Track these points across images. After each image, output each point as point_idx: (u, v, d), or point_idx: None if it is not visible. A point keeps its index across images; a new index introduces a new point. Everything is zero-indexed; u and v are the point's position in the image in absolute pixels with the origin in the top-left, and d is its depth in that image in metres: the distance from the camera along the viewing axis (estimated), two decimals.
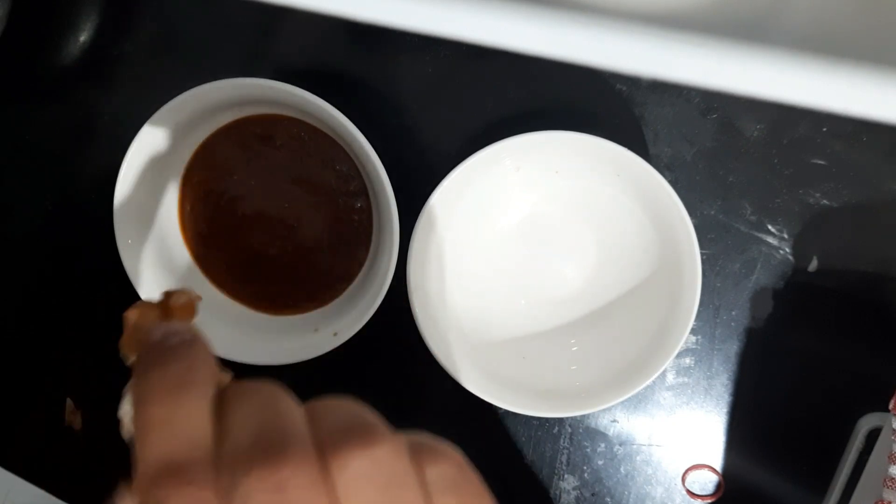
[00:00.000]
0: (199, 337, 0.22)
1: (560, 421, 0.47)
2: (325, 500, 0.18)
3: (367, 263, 0.44)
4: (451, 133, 0.45)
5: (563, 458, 0.47)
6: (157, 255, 0.43)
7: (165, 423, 0.19)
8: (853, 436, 0.43)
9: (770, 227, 0.44)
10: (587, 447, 0.47)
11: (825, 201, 0.44)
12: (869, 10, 0.20)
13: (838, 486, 0.43)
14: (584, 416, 0.46)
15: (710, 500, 0.46)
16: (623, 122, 0.44)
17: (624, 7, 0.19)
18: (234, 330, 0.43)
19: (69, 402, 0.49)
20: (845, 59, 0.17)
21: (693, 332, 0.45)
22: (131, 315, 0.26)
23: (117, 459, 0.51)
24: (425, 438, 0.21)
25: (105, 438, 0.49)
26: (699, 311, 0.41)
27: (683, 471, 0.46)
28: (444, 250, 0.43)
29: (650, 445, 0.46)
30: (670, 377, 0.46)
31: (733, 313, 0.45)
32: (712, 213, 0.44)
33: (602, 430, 0.46)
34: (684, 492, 0.46)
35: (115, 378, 0.50)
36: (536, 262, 0.45)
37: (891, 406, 0.39)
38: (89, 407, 0.49)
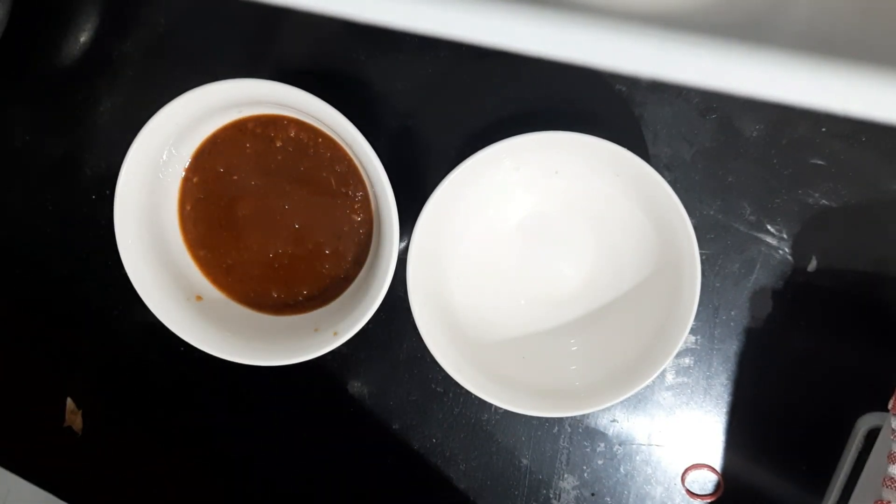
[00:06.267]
0: None
1: (560, 421, 0.47)
2: None
3: (367, 263, 0.44)
4: (451, 133, 0.45)
5: (563, 458, 0.47)
6: (157, 255, 0.43)
7: None
8: (852, 435, 0.43)
9: (769, 227, 0.44)
10: (587, 447, 0.47)
11: (824, 201, 0.44)
12: (868, 10, 0.21)
13: (837, 486, 0.43)
14: (583, 415, 0.46)
15: (709, 500, 0.46)
16: (622, 123, 0.44)
17: (624, 7, 0.19)
18: (235, 330, 0.43)
19: (69, 402, 0.49)
20: (844, 60, 0.18)
21: (692, 331, 0.45)
22: None
23: (117, 459, 0.52)
24: None
25: (105, 438, 0.49)
26: (698, 311, 0.41)
27: (683, 470, 0.46)
28: (444, 250, 0.43)
29: (650, 445, 0.46)
30: (670, 377, 0.46)
31: (732, 313, 0.45)
32: (711, 213, 0.44)
33: (602, 429, 0.47)
34: (684, 491, 0.46)
35: (115, 378, 0.50)
36: (536, 261, 0.45)
37: (890, 406, 0.39)
38: (89, 407, 0.49)
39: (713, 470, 0.46)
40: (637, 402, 0.46)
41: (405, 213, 0.40)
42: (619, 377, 0.42)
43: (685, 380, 0.46)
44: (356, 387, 0.47)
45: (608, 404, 0.41)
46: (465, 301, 0.44)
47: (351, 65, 0.45)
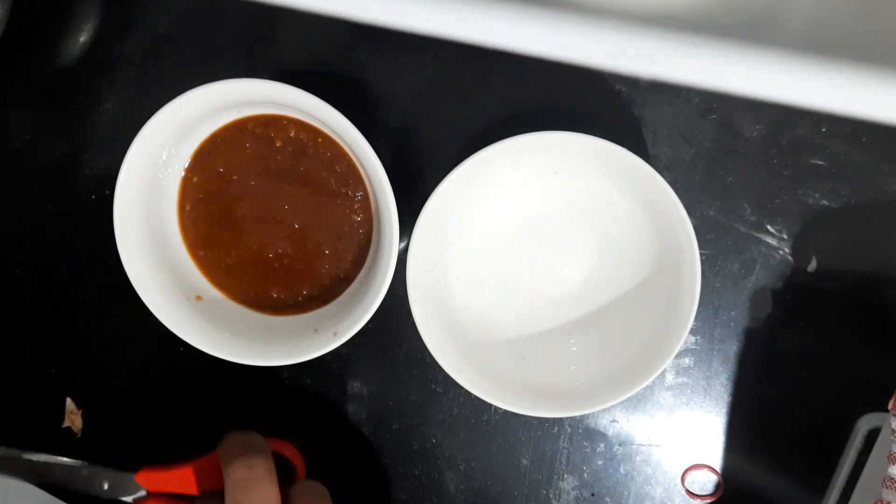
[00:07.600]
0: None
1: (559, 421, 0.47)
2: None
3: (367, 264, 0.44)
4: (451, 133, 0.45)
5: (563, 459, 0.47)
6: (157, 256, 0.43)
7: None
8: (852, 436, 0.43)
9: (769, 227, 0.44)
10: (586, 447, 0.47)
11: (824, 202, 0.44)
12: (868, 10, 0.21)
13: (837, 486, 0.43)
14: (583, 416, 0.46)
15: (709, 500, 0.46)
16: (622, 123, 0.44)
17: (624, 7, 0.19)
18: (234, 330, 0.43)
19: (69, 401, 0.49)
20: (845, 60, 0.18)
21: (692, 332, 0.45)
22: None
23: (117, 459, 0.51)
24: None
25: (105, 438, 0.49)
26: (698, 312, 0.41)
27: (683, 471, 0.46)
28: (444, 250, 0.43)
29: (649, 445, 0.46)
30: (670, 377, 0.46)
31: (732, 313, 0.45)
32: (711, 213, 0.44)
33: (601, 430, 0.46)
34: (684, 492, 0.46)
35: (115, 378, 0.50)
36: (536, 262, 0.45)
37: (890, 406, 0.39)
38: (89, 407, 0.49)
39: (713, 470, 0.46)
40: (637, 402, 0.46)
41: (405, 213, 0.40)
42: (619, 377, 0.42)
43: (685, 380, 0.46)
44: (356, 387, 0.47)
45: (608, 405, 0.41)
46: (465, 301, 0.44)
47: (351, 65, 0.45)
